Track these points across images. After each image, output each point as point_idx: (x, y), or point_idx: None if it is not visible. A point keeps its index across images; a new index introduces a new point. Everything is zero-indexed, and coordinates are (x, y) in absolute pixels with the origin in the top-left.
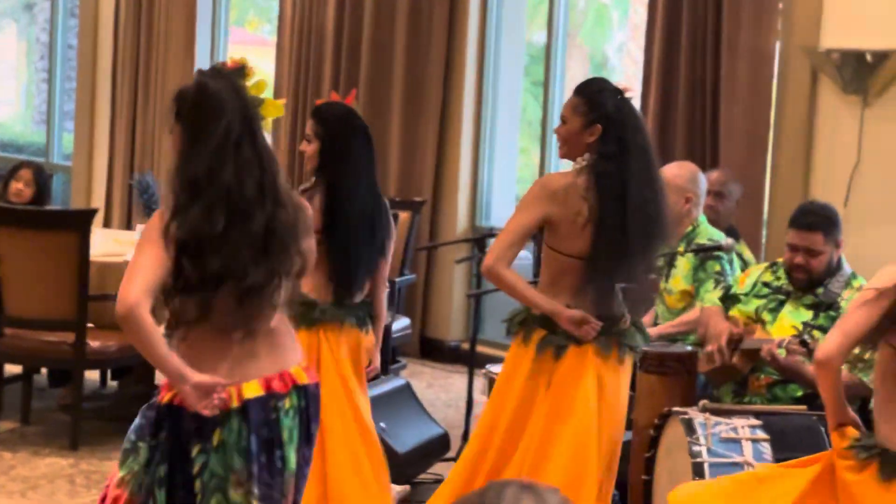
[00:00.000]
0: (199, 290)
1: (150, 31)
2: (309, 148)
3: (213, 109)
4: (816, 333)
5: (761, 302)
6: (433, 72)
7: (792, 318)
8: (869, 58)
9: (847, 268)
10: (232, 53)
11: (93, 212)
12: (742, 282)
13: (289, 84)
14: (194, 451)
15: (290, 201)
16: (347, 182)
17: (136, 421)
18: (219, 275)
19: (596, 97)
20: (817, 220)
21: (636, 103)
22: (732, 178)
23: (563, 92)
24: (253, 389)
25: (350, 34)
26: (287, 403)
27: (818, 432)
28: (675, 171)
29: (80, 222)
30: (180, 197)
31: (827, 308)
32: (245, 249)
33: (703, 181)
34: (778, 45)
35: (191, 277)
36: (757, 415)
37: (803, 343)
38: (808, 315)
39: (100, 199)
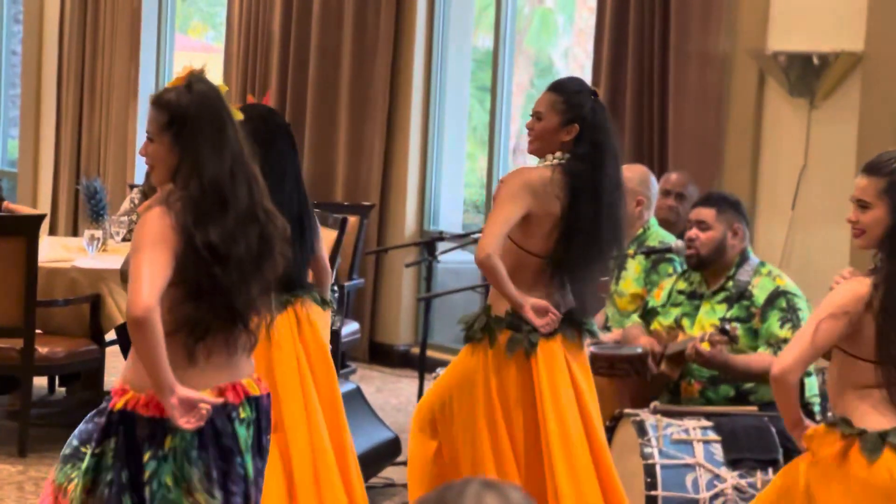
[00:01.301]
0: (213, 297)
1: (95, 37)
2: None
3: (220, 115)
4: (733, 323)
5: (678, 310)
6: (380, 76)
7: (709, 318)
8: (815, 60)
9: (754, 258)
10: (178, 59)
11: (41, 217)
12: (658, 295)
13: (236, 90)
14: (146, 456)
15: (274, 209)
16: (273, 180)
17: (81, 426)
18: (235, 284)
19: (575, 97)
20: (712, 198)
21: None
22: (691, 180)
23: (510, 97)
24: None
25: (297, 39)
26: (242, 413)
27: (768, 432)
28: (626, 174)
29: (27, 228)
30: (203, 202)
31: (738, 298)
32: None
33: (654, 184)
34: (725, 49)
35: (209, 284)
36: (708, 416)
37: (723, 331)
38: (722, 310)
39: (45, 206)
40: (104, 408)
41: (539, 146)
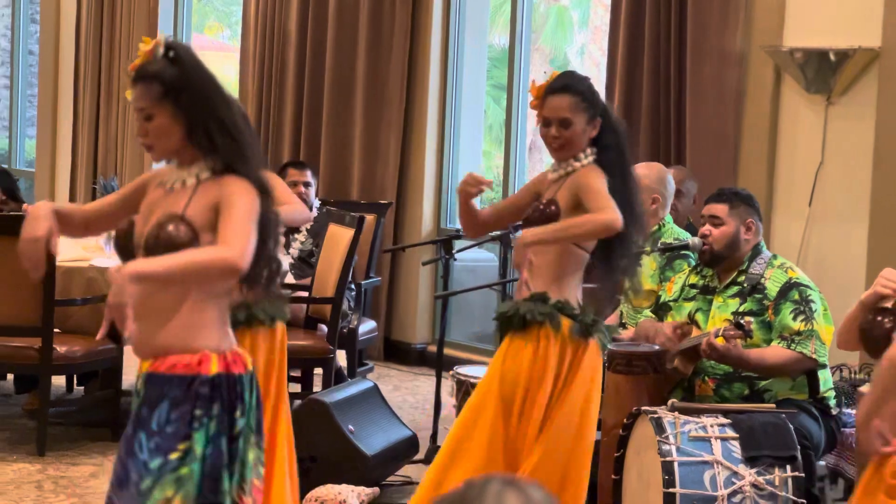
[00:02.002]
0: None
1: (111, 36)
2: None
3: (207, 68)
4: (747, 317)
5: (691, 304)
6: (396, 75)
7: (722, 312)
8: (832, 56)
9: (766, 251)
10: None
11: None
12: (670, 290)
13: (252, 89)
14: (237, 413)
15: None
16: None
17: (173, 423)
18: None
19: (589, 92)
20: (724, 193)
21: None
22: (689, 176)
23: (526, 94)
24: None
25: (313, 38)
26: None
27: (786, 430)
28: (643, 172)
29: None
30: (240, 154)
31: (751, 292)
32: None
33: (671, 182)
34: (741, 45)
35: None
36: (726, 413)
37: (738, 326)
38: (735, 304)
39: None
40: (201, 378)
41: (569, 150)
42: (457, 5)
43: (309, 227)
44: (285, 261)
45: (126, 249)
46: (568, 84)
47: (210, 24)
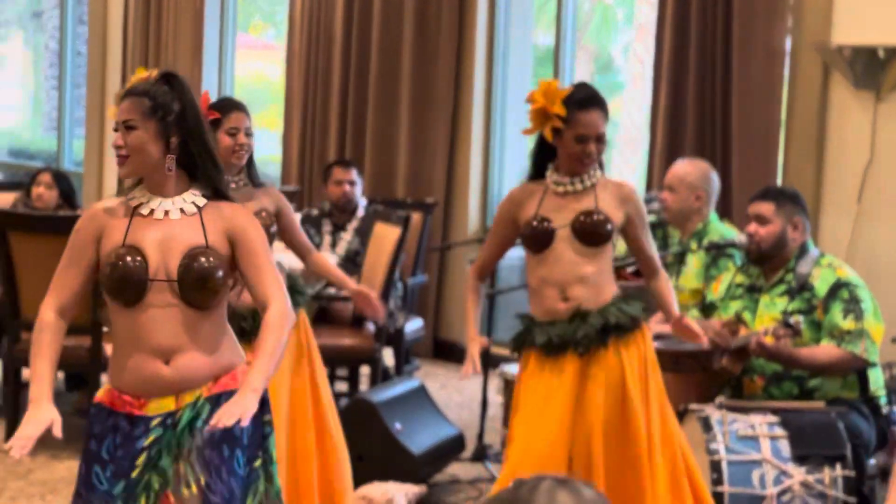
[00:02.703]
0: None
1: (158, 36)
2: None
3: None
4: (797, 316)
5: (738, 303)
6: (442, 74)
7: (770, 311)
8: (881, 53)
9: (814, 250)
10: (239, 58)
11: None
12: (715, 289)
13: (298, 88)
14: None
15: None
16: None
17: (253, 433)
18: None
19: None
20: (770, 192)
21: (645, 101)
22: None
23: None
24: None
25: (359, 37)
26: None
27: (836, 428)
28: (686, 168)
29: None
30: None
31: (800, 290)
32: None
33: (715, 179)
34: (789, 42)
35: None
36: (774, 412)
37: (787, 325)
38: (783, 302)
39: None
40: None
41: (591, 162)
42: (502, 4)
43: (356, 227)
44: (332, 259)
45: (123, 282)
46: (598, 97)
47: (255, 23)
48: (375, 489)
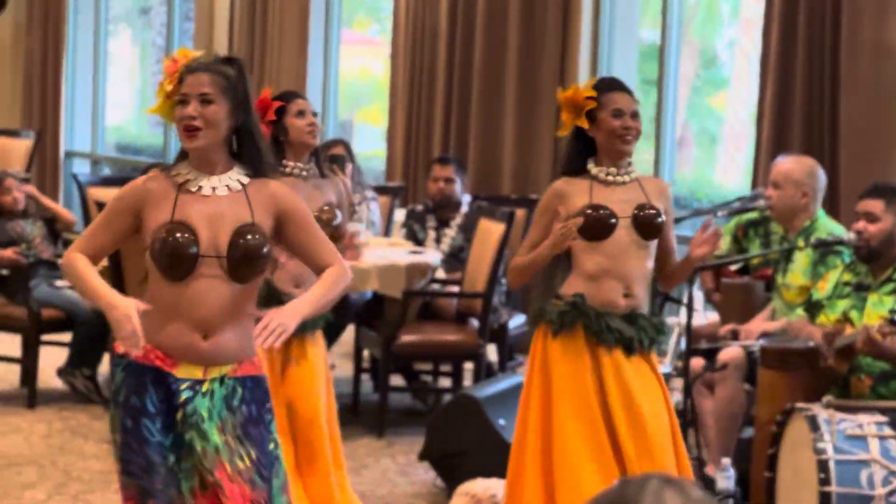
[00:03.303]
0: None
1: (264, 34)
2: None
3: None
4: None
5: (845, 302)
6: (547, 69)
7: (877, 309)
8: None
9: None
10: (344, 53)
11: None
12: (822, 288)
13: (402, 84)
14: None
15: None
16: None
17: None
18: None
19: None
20: (880, 189)
21: (751, 98)
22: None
23: (677, 89)
24: None
25: (463, 33)
26: None
27: None
28: (792, 165)
29: None
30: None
31: None
32: None
33: (822, 176)
34: None
35: None
36: (883, 411)
37: (893, 323)
38: (891, 301)
39: None
40: (260, 397)
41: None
42: (607, 0)
43: (460, 223)
44: (436, 256)
45: (176, 257)
46: (624, 83)
47: (359, 18)
48: (478, 485)
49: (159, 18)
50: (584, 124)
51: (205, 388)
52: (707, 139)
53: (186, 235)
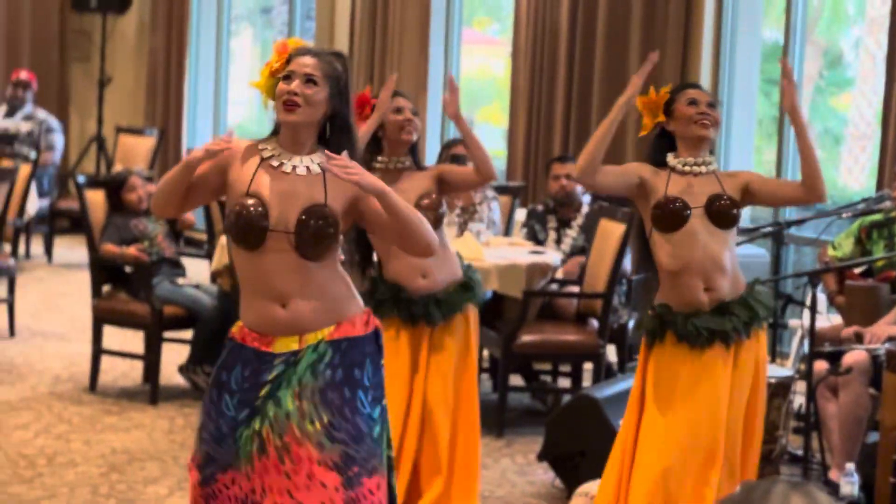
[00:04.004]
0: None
1: (384, 33)
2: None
3: None
4: None
5: None
6: (669, 68)
7: None
8: None
9: None
10: (464, 52)
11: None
12: None
13: (523, 83)
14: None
15: None
16: None
17: (377, 374)
18: None
19: None
20: None
21: (876, 97)
22: None
23: (801, 90)
24: None
25: (584, 32)
26: None
27: None
28: None
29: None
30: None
31: None
32: None
33: None
34: None
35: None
36: None
37: None
38: None
39: None
40: (372, 350)
41: (715, 132)
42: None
43: (581, 223)
44: (556, 256)
45: (246, 229)
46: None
47: (479, 18)
48: (598, 486)
49: (281, 17)
50: (662, 117)
51: (299, 357)
52: (830, 140)
53: (259, 209)
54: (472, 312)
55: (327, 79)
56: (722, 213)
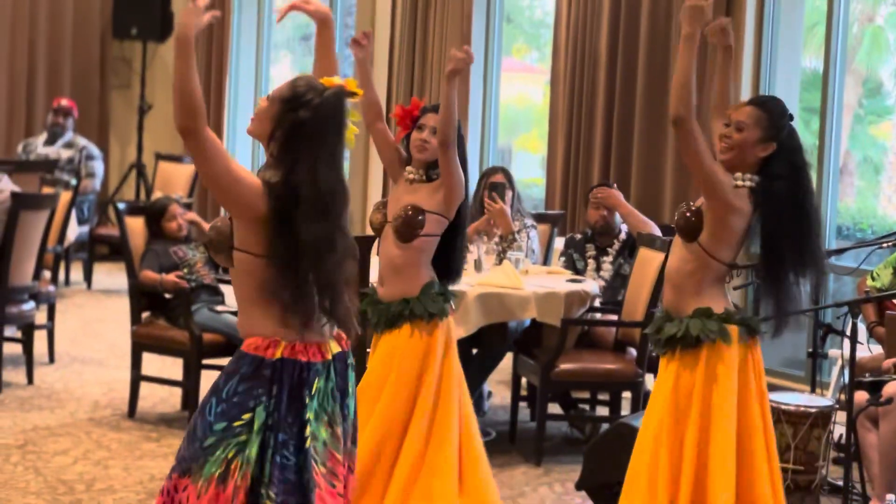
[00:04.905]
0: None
1: (423, 61)
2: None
3: (332, 128)
4: None
5: None
6: (709, 97)
7: None
8: None
9: None
10: (504, 80)
11: (372, 238)
12: None
13: (562, 111)
14: (307, 399)
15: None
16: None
17: (240, 394)
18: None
19: (779, 118)
20: None
21: None
22: None
23: (840, 118)
24: (334, 346)
25: (624, 61)
26: (350, 358)
27: None
28: None
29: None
30: (316, 203)
31: None
32: None
33: None
34: None
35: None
36: None
37: None
38: None
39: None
40: (265, 361)
41: (733, 157)
42: (770, 27)
43: (618, 248)
44: (595, 284)
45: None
46: (761, 100)
47: (518, 46)
48: None
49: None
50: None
51: None
52: (870, 169)
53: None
54: (431, 324)
55: (279, 101)
56: (679, 223)
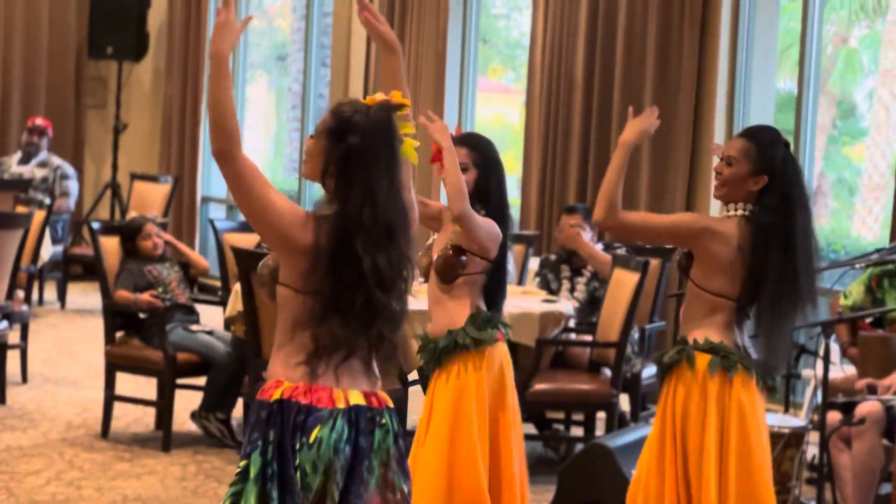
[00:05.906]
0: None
1: None
2: (466, 176)
3: (385, 146)
4: None
5: None
6: (683, 119)
7: None
8: None
9: None
10: (479, 101)
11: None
12: None
13: (538, 132)
14: (298, 444)
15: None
16: (505, 208)
17: (245, 444)
18: None
19: (769, 148)
20: None
21: (889, 148)
22: None
23: (814, 139)
24: (356, 398)
25: (600, 82)
26: (384, 419)
27: None
28: None
29: None
30: (373, 229)
31: None
32: None
33: None
34: None
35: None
36: None
37: None
38: None
39: None
40: (252, 419)
41: (726, 192)
42: (743, 49)
43: (592, 270)
44: (569, 305)
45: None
46: (751, 131)
47: (494, 66)
48: None
49: (296, 65)
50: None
51: None
52: (844, 190)
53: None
54: (474, 357)
55: (327, 132)
56: (677, 264)
